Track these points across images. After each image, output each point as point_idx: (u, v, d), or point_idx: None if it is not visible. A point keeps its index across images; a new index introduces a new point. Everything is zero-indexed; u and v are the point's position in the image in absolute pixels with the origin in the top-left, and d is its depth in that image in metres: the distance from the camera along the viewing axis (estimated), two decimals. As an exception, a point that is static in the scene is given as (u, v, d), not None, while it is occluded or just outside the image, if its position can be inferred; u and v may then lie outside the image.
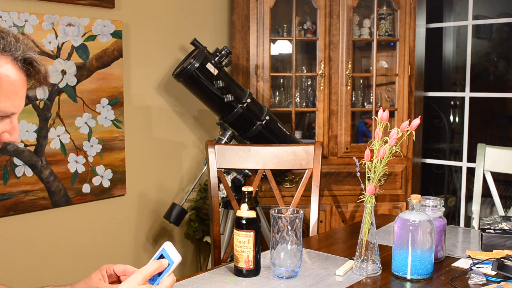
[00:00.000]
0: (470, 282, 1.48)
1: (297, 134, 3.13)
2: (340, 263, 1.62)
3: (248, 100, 2.62)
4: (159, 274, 1.15)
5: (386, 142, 1.51)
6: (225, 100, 2.54)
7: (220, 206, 2.64)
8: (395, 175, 3.03)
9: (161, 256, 1.16)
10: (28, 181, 2.34)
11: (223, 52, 2.58)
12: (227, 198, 2.60)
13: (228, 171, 2.59)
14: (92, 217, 2.62)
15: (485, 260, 1.57)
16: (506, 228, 1.72)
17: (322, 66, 2.95)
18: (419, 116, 1.62)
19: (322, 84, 2.96)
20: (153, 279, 1.14)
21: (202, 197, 3.01)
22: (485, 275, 1.48)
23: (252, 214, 1.53)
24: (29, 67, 1.03)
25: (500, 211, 2.32)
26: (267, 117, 2.67)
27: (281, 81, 3.23)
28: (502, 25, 4.21)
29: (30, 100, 2.32)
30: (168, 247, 1.15)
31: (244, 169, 2.59)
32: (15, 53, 1.00)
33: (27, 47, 1.03)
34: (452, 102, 4.40)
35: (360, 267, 1.55)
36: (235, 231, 1.54)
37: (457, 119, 4.37)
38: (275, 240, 1.53)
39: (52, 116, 2.41)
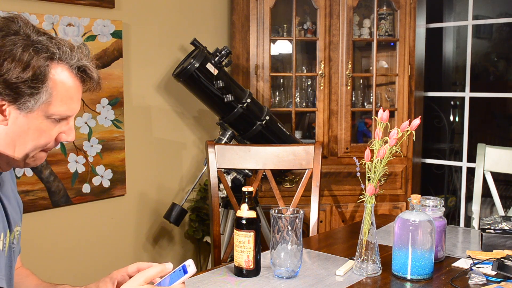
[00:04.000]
0: (470, 282, 1.48)
1: (297, 134, 3.13)
2: (340, 263, 1.62)
3: (248, 100, 2.62)
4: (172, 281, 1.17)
5: (386, 142, 1.51)
6: (225, 100, 2.54)
7: (220, 206, 2.64)
8: (395, 175, 3.03)
9: (182, 270, 1.19)
10: (28, 181, 2.34)
11: (223, 52, 2.58)
12: (227, 198, 2.60)
13: (228, 171, 2.59)
14: (92, 217, 2.62)
15: (485, 260, 1.57)
16: (506, 228, 1.72)
17: (322, 66, 2.95)
18: (419, 116, 1.62)
19: (322, 84, 2.96)
20: (163, 284, 1.16)
21: (202, 197, 3.01)
22: (485, 275, 1.48)
23: (252, 214, 1.53)
24: (83, 74, 1.13)
25: (500, 211, 2.32)
26: (267, 117, 2.67)
27: (281, 81, 3.23)
28: (502, 25, 4.21)
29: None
30: (189, 262, 1.19)
31: (244, 169, 2.59)
32: (70, 62, 1.11)
33: (82, 55, 1.13)
34: (452, 102, 4.40)
35: (360, 267, 1.55)
36: (235, 231, 1.54)
37: (457, 119, 4.37)
38: (275, 240, 1.53)
39: (52, 116, 2.41)
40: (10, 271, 1.23)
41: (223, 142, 2.62)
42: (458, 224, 3.72)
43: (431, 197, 1.66)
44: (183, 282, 1.17)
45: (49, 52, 1.08)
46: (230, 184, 2.55)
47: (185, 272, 1.17)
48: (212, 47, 2.68)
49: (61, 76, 1.10)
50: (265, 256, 1.64)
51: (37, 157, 1.16)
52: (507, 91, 4.22)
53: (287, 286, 1.48)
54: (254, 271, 1.53)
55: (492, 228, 1.72)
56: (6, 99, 1.05)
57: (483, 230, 1.72)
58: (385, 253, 1.68)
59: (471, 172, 3.18)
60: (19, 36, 1.07)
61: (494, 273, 1.48)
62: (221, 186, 2.48)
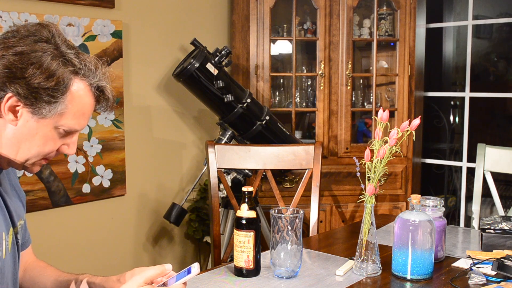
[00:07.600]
0: (470, 282, 1.48)
1: (297, 134, 3.13)
2: (340, 263, 1.62)
3: (248, 100, 2.62)
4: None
5: (386, 142, 1.51)
6: (225, 100, 2.54)
7: (220, 206, 2.64)
8: (395, 175, 3.03)
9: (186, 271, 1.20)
10: (28, 181, 2.34)
11: (223, 52, 2.58)
12: (227, 198, 2.60)
13: (228, 171, 2.59)
14: (92, 217, 2.62)
15: (485, 260, 1.57)
16: (506, 228, 1.72)
17: (322, 66, 2.95)
18: (419, 116, 1.62)
19: (322, 84, 2.96)
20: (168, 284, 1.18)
21: (202, 197, 3.01)
22: (485, 275, 1.48)
23: (252, 214, 1.53)
24: (100, 94, 1.19)
25: (500, 211, 2.32)
26: (267, 117, 2.67)
27: (281, 81, 3.23)
28: (502, 25, 4.21)
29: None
30: (194, 264, 1.20)
31: (244, 169, 2.59)
32: (92, 80, 1.16)
33: (103, 76, 1.18)
34: (452, 102, 4.40)
35: (360, 267, 1.55)
36: (235, 231, 1.54)
37: (457, 119, 4.37)
38: (275, 240, 1.53)
39: (52, 116, 2.41)
40: (15, 267, 1.24)
41: (223, 142, 2.62)
42: (458, 224, 3.72)
43: (431, 197, 1.66)
44: (185, 283, 1.18)
45: (75, 67, 1.12)
46: (230, 184, 2.55)
47: (189, 273, 1.17)
48: (212, 47, 2.68)
49: (80, 91, 1.14)
50: (265, 256, 1.64)
51: (36, 163, 1.18)
52: (507, 91, 4.21)
53: (287, 286, 1.48)
54: (254, 271, 1.53)
55: (492, 228, 1.72)
56: (22, 101, 1.09)
57: (483, 230, 1.72)
58: (385, 253, 1.68)
59: (471, 172, 3.18)
60: (50, 44, 1.10)
61: (494, 273, 1.48)
62: (221, 186, 2.48)
